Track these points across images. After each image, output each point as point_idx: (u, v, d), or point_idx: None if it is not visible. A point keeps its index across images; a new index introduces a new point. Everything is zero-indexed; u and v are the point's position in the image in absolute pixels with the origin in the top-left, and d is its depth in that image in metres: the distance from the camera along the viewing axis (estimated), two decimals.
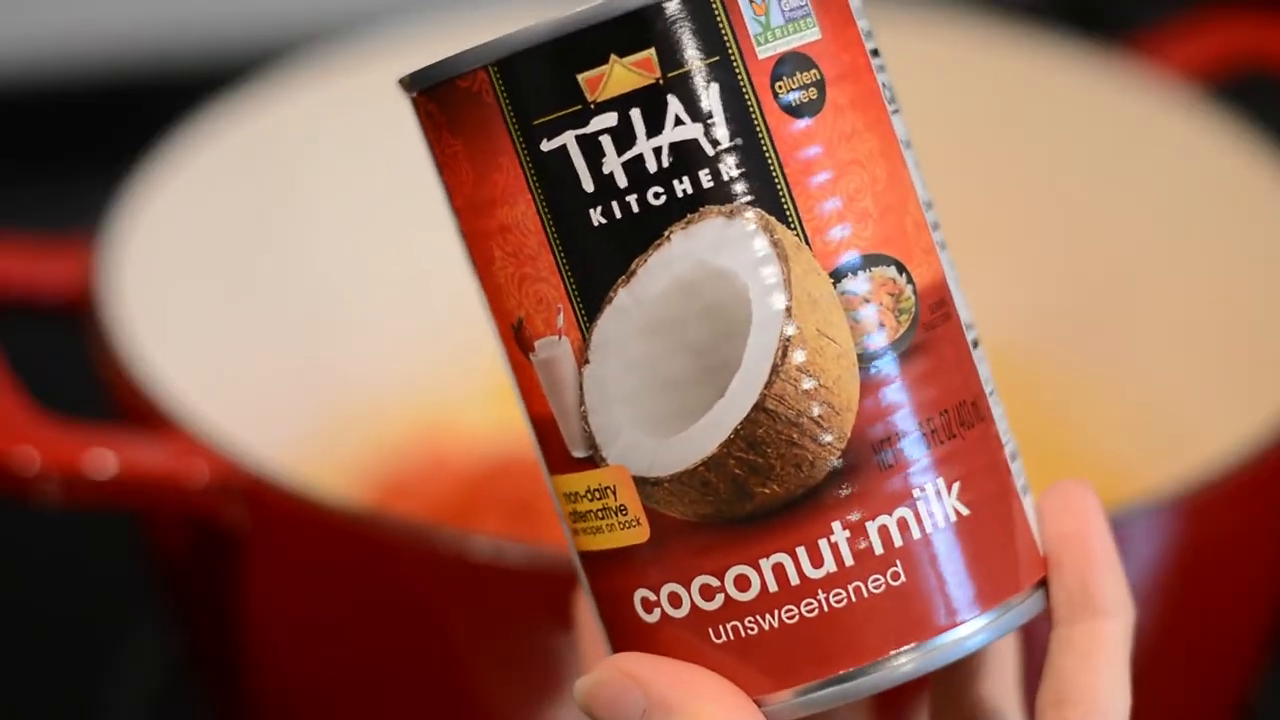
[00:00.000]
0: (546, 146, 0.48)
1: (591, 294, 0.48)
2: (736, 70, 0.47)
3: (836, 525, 0.48)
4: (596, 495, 0.49)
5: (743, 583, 0.48)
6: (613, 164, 0.47)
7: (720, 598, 0.48)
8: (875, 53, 0.49)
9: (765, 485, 0.48)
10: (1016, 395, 0.88)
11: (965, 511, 0.48)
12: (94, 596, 0.87)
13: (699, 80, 0.47)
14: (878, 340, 0.48)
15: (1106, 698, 0.49)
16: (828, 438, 0.48)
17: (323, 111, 0.84)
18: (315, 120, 0.84)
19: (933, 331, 0.49)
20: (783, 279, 0.47)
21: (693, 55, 0.47)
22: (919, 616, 0.48)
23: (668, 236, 0.47)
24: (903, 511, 0.48)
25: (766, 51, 0.48)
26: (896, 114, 0.50)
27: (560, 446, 0.49)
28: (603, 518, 0.49)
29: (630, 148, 0.47)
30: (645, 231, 0.47)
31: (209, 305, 0.79)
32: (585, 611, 0.54)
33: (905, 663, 0.48)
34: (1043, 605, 0.50)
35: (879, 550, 0.48)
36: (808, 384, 0.47)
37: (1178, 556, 0.65)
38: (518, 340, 0.49)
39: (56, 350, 0.78)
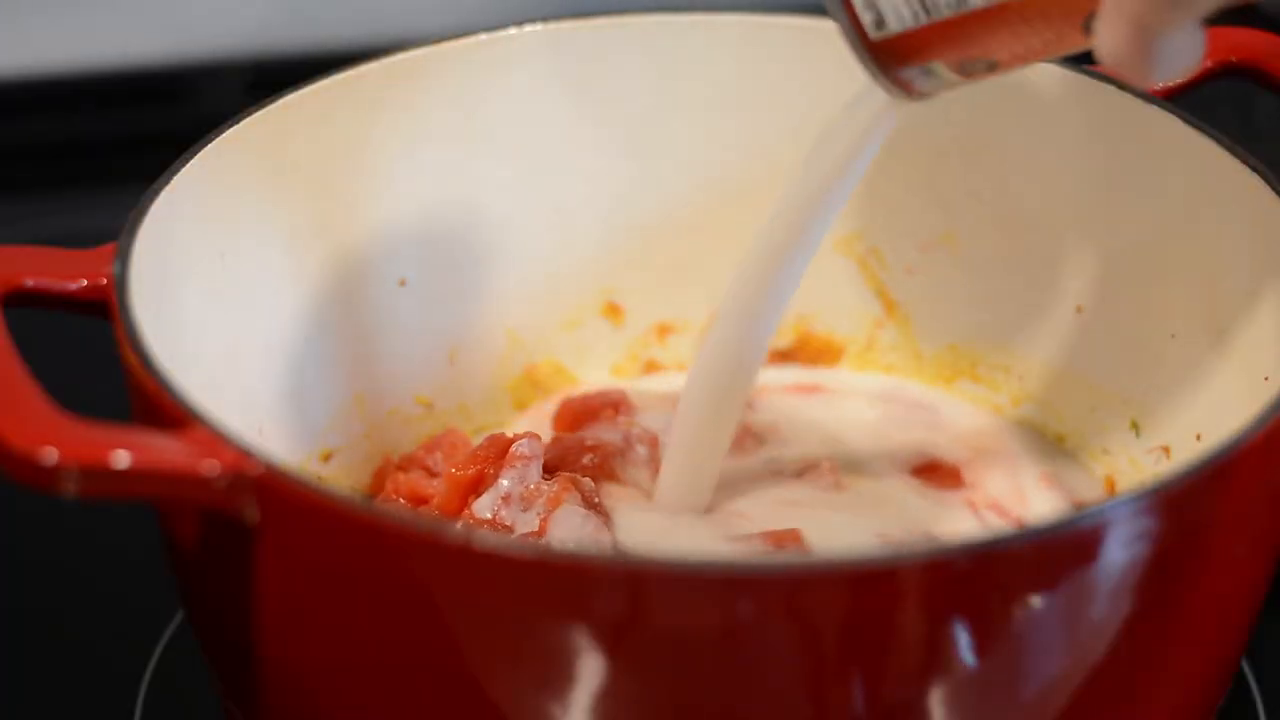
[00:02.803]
0: None
1: None
2: None
3: None
4: None
5: None
6: None
7: None
8: None
9: None
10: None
11: None
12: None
13: None
14: None
15: None
16: None
17: (344, 125, 0.85)
18: (336, 132, 0.85)
19: None
20: None
21: None
22: None
23: None
24: None
25: None
26: None
27: None
28: None
29: None
30: None
31: (224, 306, 0.81)
32: None
33: None
34: None
35: None
36: None
37: (1161, 550, 0.66)
38: None
39: (77, 349, 0.80)
